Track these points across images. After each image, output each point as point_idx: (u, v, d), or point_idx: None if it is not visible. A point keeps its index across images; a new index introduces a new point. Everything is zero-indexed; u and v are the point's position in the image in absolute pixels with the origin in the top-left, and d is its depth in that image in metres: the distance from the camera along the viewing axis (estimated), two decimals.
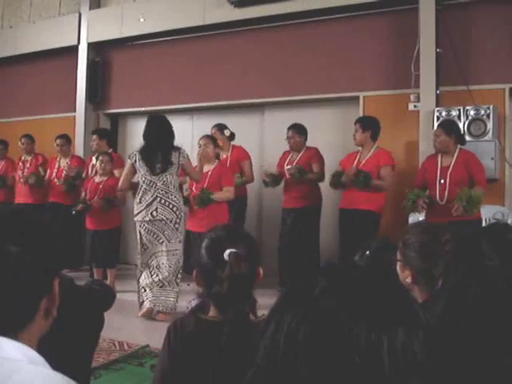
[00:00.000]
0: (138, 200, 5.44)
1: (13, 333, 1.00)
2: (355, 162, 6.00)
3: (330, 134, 7.33)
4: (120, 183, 5.79)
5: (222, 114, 7.98)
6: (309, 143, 6.67)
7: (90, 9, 8.85)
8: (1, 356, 0.95)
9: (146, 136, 5.50)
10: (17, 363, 0.94)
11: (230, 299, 1.81)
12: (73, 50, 8.91)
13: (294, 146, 6.64)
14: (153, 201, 5.35)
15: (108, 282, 6.47)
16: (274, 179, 6.70)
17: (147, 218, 5.36)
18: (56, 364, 1.01)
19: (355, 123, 6.11)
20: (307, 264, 6.41)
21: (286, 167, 6.57)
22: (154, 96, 8.44)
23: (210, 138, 6.28)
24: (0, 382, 0.89)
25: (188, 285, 6.09)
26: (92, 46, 8.89)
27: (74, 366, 1.88)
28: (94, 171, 7.17)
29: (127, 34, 8.49)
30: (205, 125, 7.48)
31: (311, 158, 6.60)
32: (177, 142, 5.47)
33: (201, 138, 6.23)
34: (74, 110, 8.92)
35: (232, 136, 7.04)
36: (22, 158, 8.16)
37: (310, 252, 6.45)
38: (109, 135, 7.81)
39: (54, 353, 1.07)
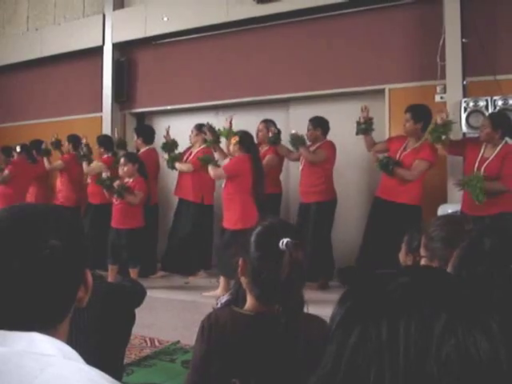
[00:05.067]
0: None
1: (55, 324, 1.04)
2: (401, 148, 5.96)
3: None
4: None
5: (247, 109, 7.98)
6: (334, 137, 6.63)
7: (114, 9, 8.90)
8: (34, 352, 0.96)
9: None
10: (51, 358, 0.95)
11: (284, 288, 1.76)
12: (98, 51, 8.98)
13: (310, 137, 6.64)
14: None
15: None
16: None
17: None
18: (89, 360, 1.03)
19: (405, 112, 5.99)
20: (320, 260, 6.27)
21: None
22: (179, 94, 8.47)
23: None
24: (33, 375, 0.90)
25: (217, 281, 6.10)
26: (117, 47, 8.94)
27: (107, 361, 1.90)
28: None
29: (151, 34, 8.52)
30: None
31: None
32: None
33: None
34: (101, 111, 9.00)
35: None
36: None
37: (321, 247, 6.38)
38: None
39: (87, 348, 1.08)
